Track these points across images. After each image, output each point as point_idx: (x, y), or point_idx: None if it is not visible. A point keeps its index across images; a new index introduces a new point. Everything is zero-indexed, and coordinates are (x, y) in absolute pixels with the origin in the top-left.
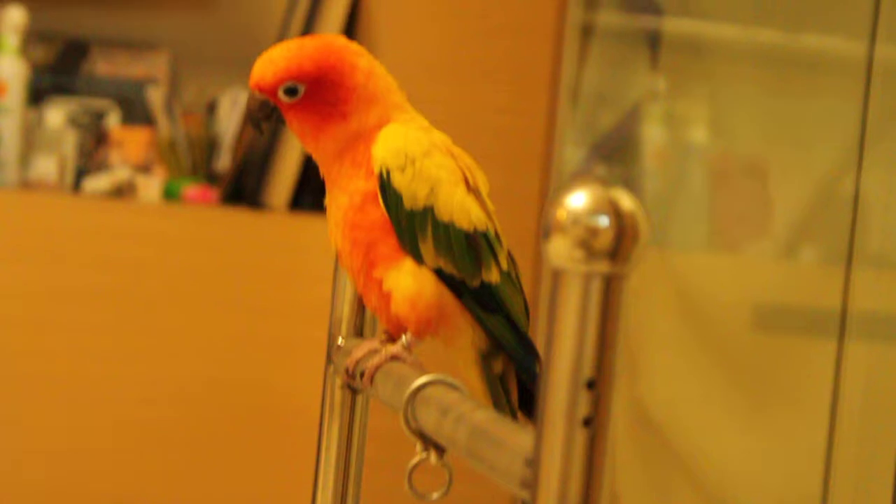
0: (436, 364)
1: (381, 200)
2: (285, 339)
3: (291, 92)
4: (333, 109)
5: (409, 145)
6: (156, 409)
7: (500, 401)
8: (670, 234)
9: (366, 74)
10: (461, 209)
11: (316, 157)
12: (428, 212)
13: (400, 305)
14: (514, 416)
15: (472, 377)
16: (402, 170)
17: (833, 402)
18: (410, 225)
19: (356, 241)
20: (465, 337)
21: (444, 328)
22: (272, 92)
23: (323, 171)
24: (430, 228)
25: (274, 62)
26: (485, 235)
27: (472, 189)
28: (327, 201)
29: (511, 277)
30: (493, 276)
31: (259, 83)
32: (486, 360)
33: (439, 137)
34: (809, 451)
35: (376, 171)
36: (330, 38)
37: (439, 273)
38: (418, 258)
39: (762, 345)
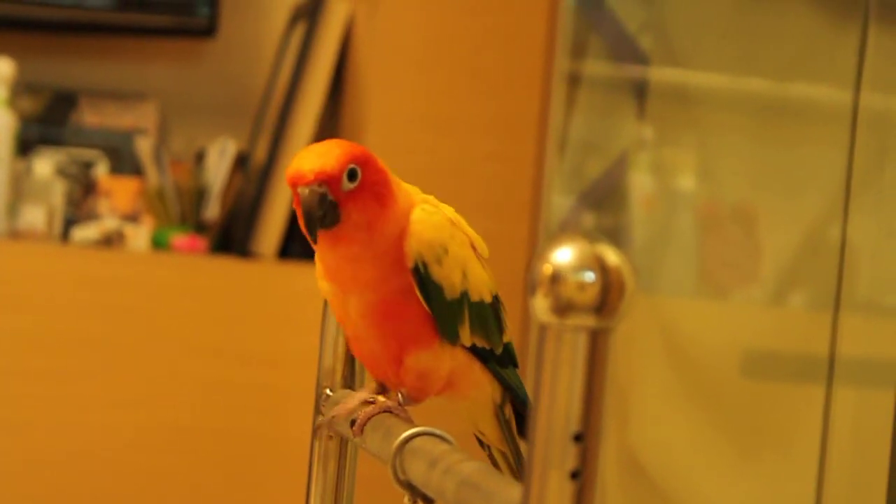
0: (438, 415)
1: (419, 293)
2: (273, 388)
3: (353, 176)
4: (385, 191)
5: (438, 234)
6: (143, 457)
7: (514, 442)
8: (659, 281)
9: (383, 163)
10: (483, 283)
11: (351, 255)
12: (464, 296)
13: (409, 375)
14: (520, 454)
15: (490, 427)
16: (439, 262)
17: (822, 447)
18: (451, 313)
19: (390, 332)
20: (486, 394)
21: (467, 390)
22: (337, 179)
23: (346, 269)
24: (466, 311)
25: (329, 150)
26: (497, 298)
27: (478, 255)
28: (331, 290)
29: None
30: (508, 336)
31: (323, 170)
32: (500, 409)
33: (449, 212)
34: (799, 496)
35: (411, 265)
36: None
37: (472, 348)
38: (455, 340)
39: (751, 391)
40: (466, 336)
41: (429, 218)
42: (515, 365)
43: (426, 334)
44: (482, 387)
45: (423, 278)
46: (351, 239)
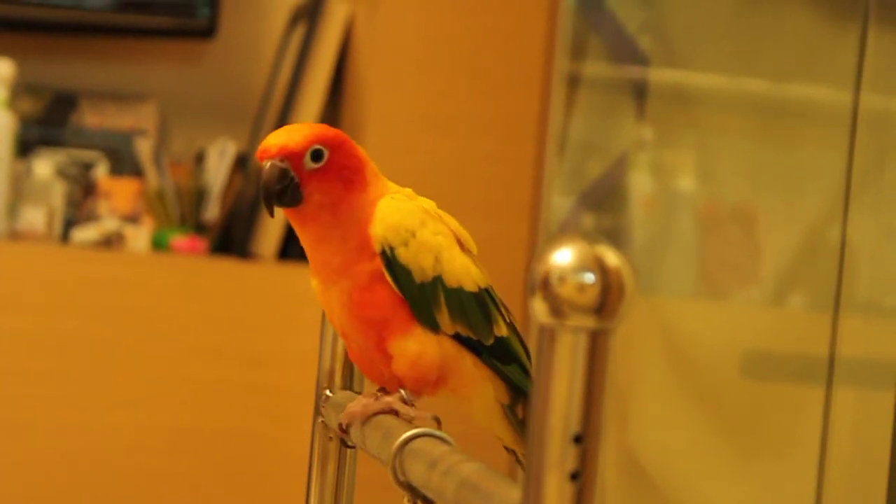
0: (456, 420)
1: (389, 278)
2: (273, 389)
3: (318, 156)
4: (354, 177)
5: (404, 219)
6: (143, 458)
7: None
8: (659, 282)
9: (368, 157)
10: (465, 272)
11: (317, 236)
12: (437, 281)
13: (400, 366)
14: None
15: (501, 429)
16: (406, 244)
17: (822, 448)
18: (424, 297)
19: (367, 320)
20: (489, 393)
21: (465, 387)
22: (299, 156)
23: (317, 253)
24: (442, 296)
25: (298, 129)
26: (488, 292)
27: (465, 249)
28: (318, 286)
29: (512, 326)
30: (502, 330)
31: (284, 148)
32: (510, 409)
33: (427, 204)
34: (799, 497)
35: (378, 249)
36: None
37: (457, 337)
38: (435, 327)
39: (751, 391)
40: (446, 322)
41: (397, 205)
42: (520, 363)
43: (402, 319)
44: (480, 384)
45: (391, 261)
46: (316, 220)
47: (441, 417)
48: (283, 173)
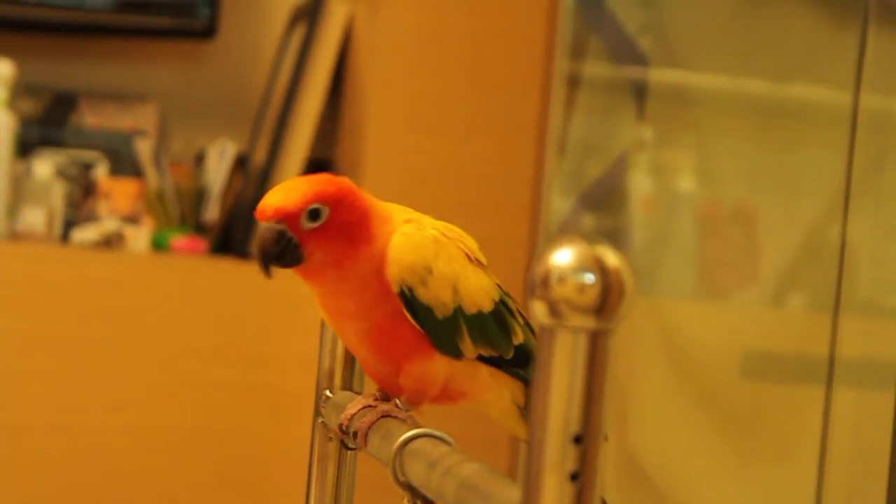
0: (439, 417)
1: (410, 318)
2: (273, 389)
3: (315, 215)
4: (357, 231)
5: (419, 256)
6: (143, 458)
7: None
8: (659, 283)
9: (373, 203)
10: (481, 292)
11: (328, 290)
12: (458, 312)
13: (408, 378)
14: None
15: (518, 428)
16: (424, 283)
17: (822, 448)
18: (448, 330)
19: (388, 356)
20: (505, 396)
21: (482, 394)
22: (294, 217)
23: (330, 302)
24: (463, 326)
25: (295, 188)
26: (503, 303)
27: (474, 261)
28: (328, 318)
29: (526, 325)
30: (519, 337)
31: (282, 208)
32: (526, 409)
33: (433, 226)
34: (799, 497)
35: (396, 290)
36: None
37: (480, 358)
38: (458, 355)
39: (751, 392)
40: (469, 349)
41: (408, 241)
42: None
43: (424, 350)
44: (497, 389)
45: (411, 302)
46: (321, 276)
47: (442, 418)
48: (280, 235)
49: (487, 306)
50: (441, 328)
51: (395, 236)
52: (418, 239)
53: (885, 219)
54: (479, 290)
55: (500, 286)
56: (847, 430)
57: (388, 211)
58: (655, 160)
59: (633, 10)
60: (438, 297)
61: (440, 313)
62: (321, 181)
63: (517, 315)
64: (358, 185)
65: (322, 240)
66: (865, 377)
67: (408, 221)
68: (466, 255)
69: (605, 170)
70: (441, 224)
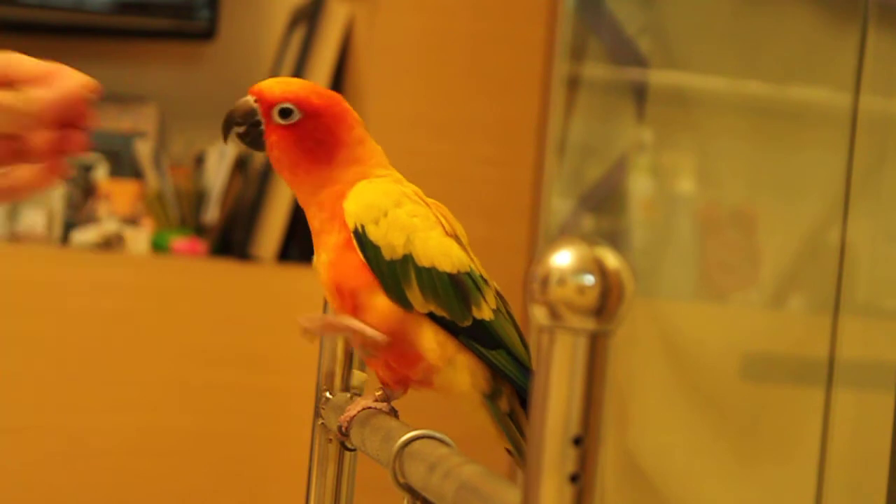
0: (438, 419)
1: (360, 253)
2: (273, 391)
3: (286, 113)
4: (317, 150)
5: (378, 198)
6: (143, 460)
7: (515, 437)
8: (658, 284)
9: (357, 140)
10: (441, 252)
11: (300, 199)
12: (408, 259)
13: (362, 314)
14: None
15: (483, 420)
16: (376, 222)
17: (822, 449)
18: (393, 274)
19: (342, 292)
20: (464, 380)
21: (436, 363)
22: (269, 105)
23: (310, 221)
24: (413, 275)
25: (286, 82)
26: (469, 275)
27: (450, 234)
28: (315, 262)
29: (503, 314)
30: (484, 314)
31: (261, 92)
32: (492, 401)
33: (411, 188)
34: (799, 499)
35: (350, 226)
36: (340, 96)
37: (431, 316)
38: (407, 305)
39: (751, 393)
40: (418, 300)
41: (374, 185)
42: (509, 350)
43: (374, 289)
44: (456, 367)
45: (362, 238)
46: (279, 173)
47: (441, 419)
48: (250, 112)
49: (444, 266)
50: (387, 270)
51: (364, 181)
52: (384, 187)
53: (884, 220)
54: (438, 250)
55: (483, 275)
56: (847, 432)
57: (369, 155)
58: (655, 162)
59: (633, 11)
60: (388, 238)
61: (388, 255)
62: (313, 89)
63: (491, 299)
64: None
65: (284, 140)
66: (865, 379)
67: (387, 175)
68: (441, 225)
69: (604, 171)
70: (422, 194)
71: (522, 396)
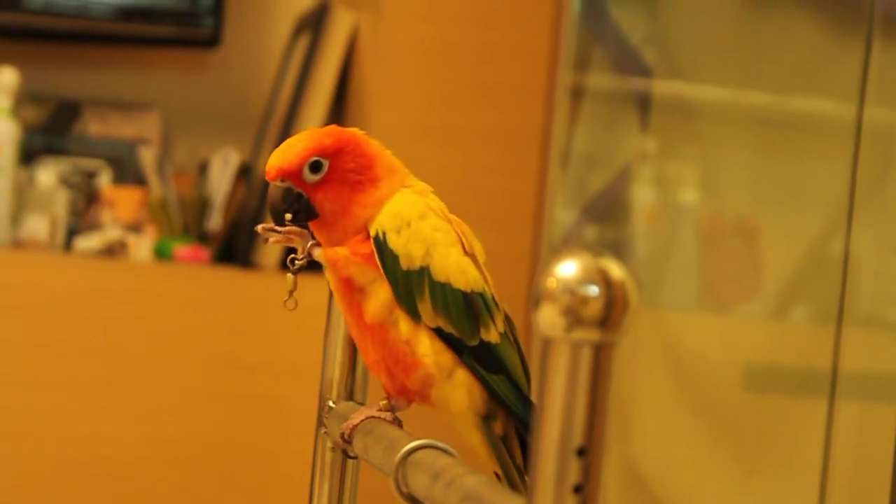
0: (441, 429)
1: (378, 261)
2: (276, 399)
3: (316, 168)
4: (362, 177)
5: (404, 208)
6: (145, 467)
7: (505, 462)
8: (661, 295)
9: (380, 147)
10: (458, 269)
11: (332, 238)
12: (424, 272)
13: (368, 318)
14: (521, 477)
15: (475, 441)
16: (398, 231)
17: (824, 461)
18: (407, 284)
19: (356, 304)
20: (462, 399)
21: (436, 377)
22: (297, 173)
23: (327, 242)
24: (427, 288)
25: (292, 146)
26: (482, 296)
27: (468, 253)
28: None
29: (509, 338)
30: (491, 336)
31: (281, 167)
32: (486, 423)
33: (436, 203)
34: None
35: (372, 233)
36: (333, 124)
37: (439, 332)
38: (416, 317)
39: (753, 405)
40: (428, 313)
41: (403, 198)
42: (509, 376)
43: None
44: (455, 385)
45: (381, 246)
46: (334, 225)
47: (444, 429)
48: (287, 193)
49: (459, 283)
50: (402, 280)
51: (398, 194)
52: (413, 199)
53: (888, 231)
54: (455, 267)
55: (495, 297)
56: (849, 443)
57: (397, 163)
58: (659, 172)
59: (637, 21)
60: (408, 248)
61: (405, 264)
62: (319, 135)
63: (500, 323)
64: None
65: (331, 188)
66: (868, 390)
67: (414, 184)
68: (462, 243)
69: (608, 181)
70: (446, 210)
71: (517, 423)
